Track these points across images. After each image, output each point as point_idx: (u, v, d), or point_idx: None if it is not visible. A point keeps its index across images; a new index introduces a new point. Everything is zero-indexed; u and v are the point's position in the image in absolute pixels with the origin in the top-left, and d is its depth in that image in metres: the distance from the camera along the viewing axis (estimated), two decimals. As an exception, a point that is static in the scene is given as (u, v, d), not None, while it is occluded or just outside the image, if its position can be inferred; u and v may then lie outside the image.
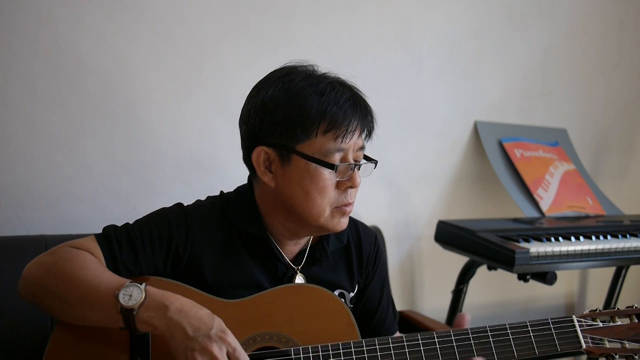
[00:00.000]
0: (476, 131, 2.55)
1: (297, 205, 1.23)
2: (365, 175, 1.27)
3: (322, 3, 2.21)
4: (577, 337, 1.23)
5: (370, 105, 1.28)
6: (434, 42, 2.46)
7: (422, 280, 2.54)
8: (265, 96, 1.22)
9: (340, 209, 1.25)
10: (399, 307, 1.48)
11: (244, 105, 1.28)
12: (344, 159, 1.22)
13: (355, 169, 1.24)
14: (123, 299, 1.09)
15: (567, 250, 2.01)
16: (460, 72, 2.52)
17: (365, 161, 1.28)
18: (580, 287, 2.96)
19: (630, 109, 2.94)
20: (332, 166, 1.20)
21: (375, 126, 1.28)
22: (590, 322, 1.25)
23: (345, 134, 1.20)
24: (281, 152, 1.22)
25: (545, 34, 2.69)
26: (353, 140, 1.22)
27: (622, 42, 2.87)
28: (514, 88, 2.66)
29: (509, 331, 1.22)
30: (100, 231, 1.25)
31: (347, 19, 2.26)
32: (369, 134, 1.28)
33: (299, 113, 1.19)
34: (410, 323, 2.09)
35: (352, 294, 1.39)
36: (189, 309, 1.10)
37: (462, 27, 2.50)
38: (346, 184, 1.23)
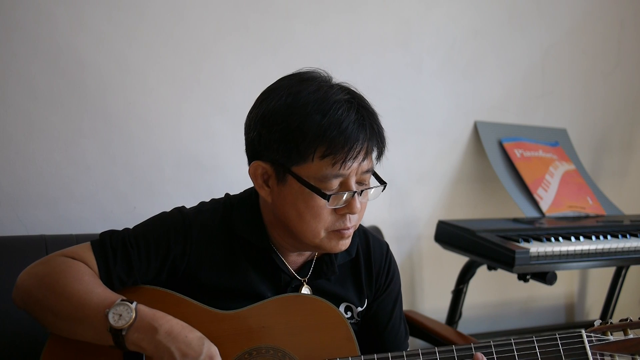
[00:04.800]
0: (476, 131, 2.55)
1: (291, 225, 1.19)
2: (372, 198, 1.21)
3: (322, 3, 2.21)
4: (586, 353, 1.18)
5: (381, 125, 1.19)
6: (434, 42, 2.45)
7: (422, 280, 2.54)
8: (266, 109, 1.15)
9: (337, 232, 1.19)
10: (398, 307, 1.48)
11: (248, 113, 1.22)
12: (343, 184, 1.15)
13: (356, 196, 1.16)
14: (112, 319, 1.07)
15: (567, 250, 2.01)
16: (460, 72, 2.52)
17: (368, 187, 1.20)
18: (580, 287, 2.96)
19: (630, 109, 2.94)
20: (325, 196, 1.13)
21: (385, 148, 1.20)
22: (599, 336, 1.19)
23: (344, 160, 1.12)
24: (277, 170, 1.16)
25: (545, 34, 2.69)
26: (355, 165, 1.14)
27: (622, 42, 2.87)
28: (514, 88, 2.66)
29: (514, 347, 1.18)
30: (99, 232, 1.24)
31: (347, 19, 2.26)
32: (378, 156, 1.20)
33: (296, 133, 1.11)
34: (410, 323, 2.08)
35: (360, 309, 1.35)
36: (178, 333, 1.08)
37: (462, 27, 2.50)
38: (344, 210, 1.16)
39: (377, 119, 1.19)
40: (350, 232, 1.21)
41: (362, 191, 1.18)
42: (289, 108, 1.13)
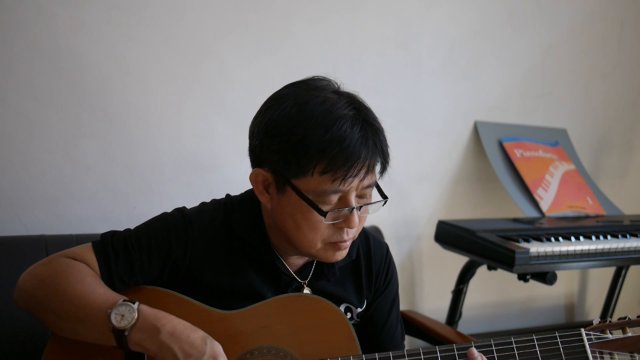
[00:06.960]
0: (476, 131, 2.55)
1: (289, 234, 1.19)
2: (372, 212, 1.20)
3: (322, 3, 2.21)
4: (585, 352, 1.18)
5: (386, 142, 1.17)
6: (434, 42, 2.45)
7: (422, 280, 2.54)
8: (270, 118, 1.14)
9: (334, 244, 1.18)
10: (399, 307, 1.49)
11: (253, 119, 1.21)
12: (343, 200, 1.14)
13: (355, 211, 1.15)
14: (115, 319, 1.07)
15: (567, 250, 2.01)
16: (460, 72, 2.52)
17: (367, 202, 1.18)
18: (580, 287, 2.96)
19: (630, 109, 2.94)
20: (322, 212, 1.12)
21: (388, 164, 1.18)
22: (599, 335, 1.20)
23: (344, 178, 1.10)
24: (277, 179, 1.16)
25: (545, 34, 2.69)
26: (355, 182, 1.13)
27: (622, 42, 2.87)
28: (514, 88, 2.66)
29: (514, 345, 1.18)
30: (100, 232, 1.24)
31: (347, 19, 2.26)
32: (382, 171, 1.19)
33: (297, 147, 1.10)
34: (410, 323, 2.08)
35: (359, 309, 1.35)
36: (181, 332, 1.08)
37: (462, 27, 2.50)
38: (342, 224, 1.16)
39: (382, 135, 1.17)
40: (347, 244, 1.20)
41: (361, 206, 1.17)
42: (293, 120, 1.12)
